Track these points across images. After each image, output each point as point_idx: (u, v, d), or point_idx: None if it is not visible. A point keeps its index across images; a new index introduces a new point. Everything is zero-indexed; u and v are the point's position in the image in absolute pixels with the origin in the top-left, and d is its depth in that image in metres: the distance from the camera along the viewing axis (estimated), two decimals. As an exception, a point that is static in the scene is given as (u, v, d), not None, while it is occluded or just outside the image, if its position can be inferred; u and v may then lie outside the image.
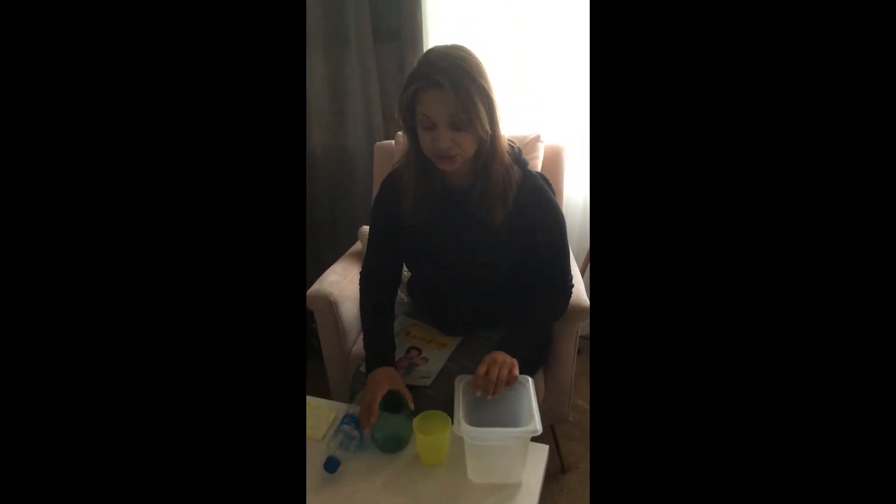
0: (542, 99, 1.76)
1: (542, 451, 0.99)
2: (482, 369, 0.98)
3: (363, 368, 1.18)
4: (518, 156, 1.09)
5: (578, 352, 1.33)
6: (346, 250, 1.65)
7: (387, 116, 1.88)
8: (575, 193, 1.80)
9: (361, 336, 1.47)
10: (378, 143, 1.73)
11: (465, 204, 1.06)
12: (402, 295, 1.39)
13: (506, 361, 0.99)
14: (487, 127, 0.95)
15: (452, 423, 0.92)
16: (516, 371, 0.99)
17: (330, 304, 1.37)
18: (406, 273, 1.30)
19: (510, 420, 0.96)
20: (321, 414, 1.08)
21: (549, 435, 1.48)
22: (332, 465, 0.92)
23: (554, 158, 1.57)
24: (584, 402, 1.74)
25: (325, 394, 1.28)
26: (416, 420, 0.95)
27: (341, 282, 1.44)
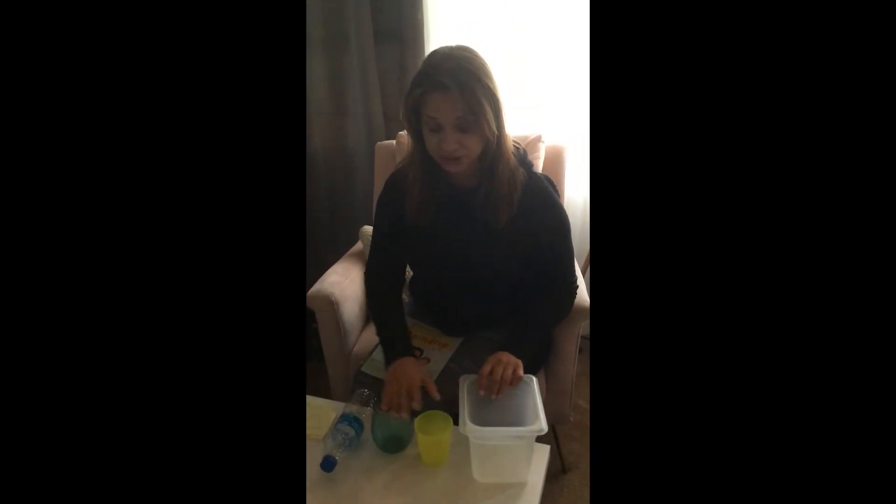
0: (542, 99, 1.76)
1: (544, 450, 0.99)
2: (486, 369, 0.98)
3: (364, 368, 1.18)
4: (523, 157, 1.08)
5: (579, 352, 1.33)
6: (347, 250, 1.65)
7: (387, 116, 1.88)
8: (575, 193, 1.80)
9: (362, 336, 1.47)
10: (379, 143, 1.73)
11: (470, 205, 1.06)
12: (403, 295, 1.39)
13: (510, 362, 0.99)
14: (494, 128, 0.95)
15: (456, 422, 0.92)
16: (521, 371, 0.99)
17: (331, 304, 1.37)
18: (408, 273, 1.30)
19: (515, 419, 0.96)
20: (322, 414, 1.08)
21: (550, 435, 1.48)
22: (328, 465, 0.92)
23: (555, 159, 1.57)
24: (584, 403, 1.74)
25: (325, 394, 1.28)
26: (417, 420, 0.95)
27: (342, 282, 1.44)
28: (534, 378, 1.00)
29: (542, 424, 0.88)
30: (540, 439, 0.93)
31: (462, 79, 0.90)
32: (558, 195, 1.11)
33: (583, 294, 1.26)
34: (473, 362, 1.12)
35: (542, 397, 0.97)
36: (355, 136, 1.88)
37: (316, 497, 0.91)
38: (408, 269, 1.28)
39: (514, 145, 1.06)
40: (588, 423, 1.65)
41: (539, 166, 1.52)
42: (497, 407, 0.97)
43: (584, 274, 1.64)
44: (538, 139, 1.55)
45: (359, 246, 1.64)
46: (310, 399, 1.12)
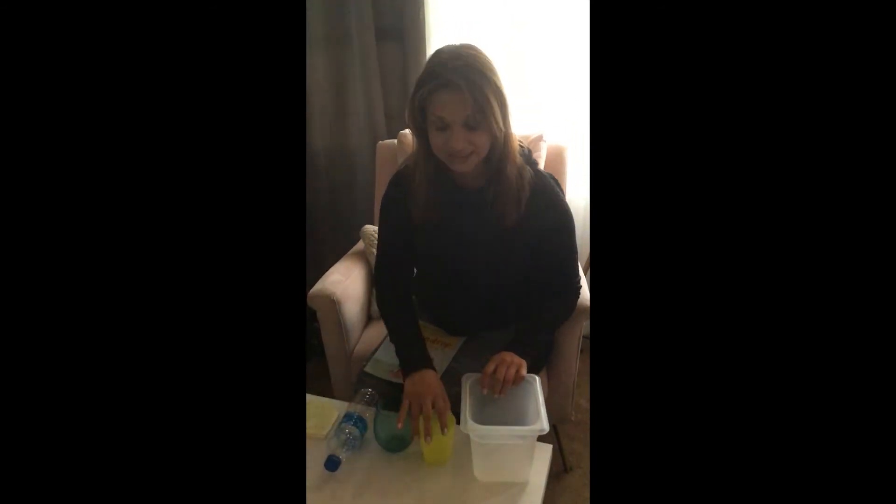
0: (542, 99, 1.76)
1: (546, 450, 0.99)
2: (490, 368, 0.98)
3: (368, 368, 1.18)
4: (528, 156, 1.08)
5: (581, 351, 1.33)
6: (348, 250, 1.65)
7: (389, 115, 1.88)
8: (575, 194, 1.80)
9: (363, 335, 1.47)
10: (380, 141, 1.73)
11: (478, 205, 1.05)
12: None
13: (514, 361, 0.99)
14: (501, 125, 0.94)
15: (458, 421, 0.92)
16: (524, 371, 0.99)
17: (332, 304, 1.37)
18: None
19: (517, 419, 0.96)
20: (325, 413, 1.08)
21: (552, 434, 1.48)
22: (332, 464, 0.92)
23: (556, 158, 1.57)
24: (586, 402, 1.74)
25: (327, 393, 1.28)
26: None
27: (343, 281, 1.44)
28: (536, 378, 1.00)
29: (544, 424, 0.88)
30: (542, 439, 0.93)
31: (470, 76, 0.89)
32: (563, 194, 1.11)
33: (584, 293, 1.26)
34: (476, 362, 1.12)
35: (543, 397, 0.97)
36: (356, 134, 1.88)
37: (320, 496, 0.91)
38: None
39: (519, 144, 1.05)
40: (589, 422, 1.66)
41: (541, 166, 1.52)
42: (499, 406, 0.97)
43: (585, 273, 1.65)
44: (539, 138, 1.55)
45: (360, 245, 1.64)
46: (312, 398, 1.12)
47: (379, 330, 1.43)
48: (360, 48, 1.76)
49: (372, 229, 1.57)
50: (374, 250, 1.36)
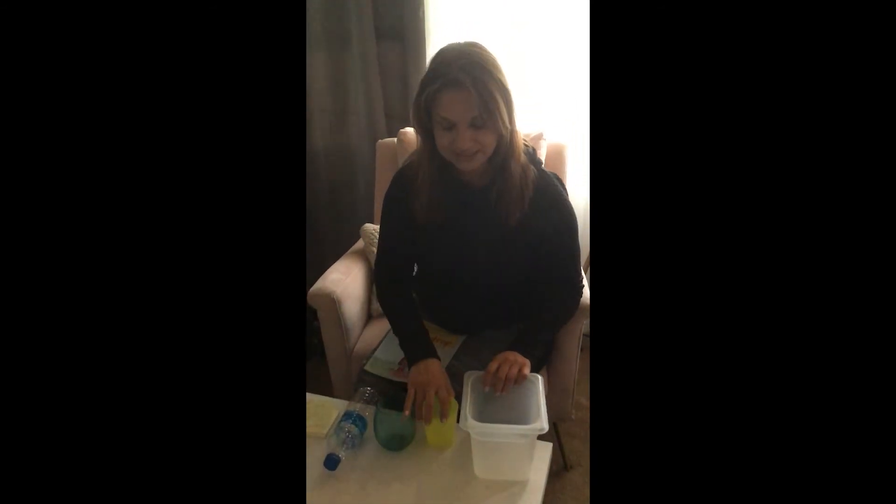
0: (542, 99, 1.76)
1: (546, 448, 0.99)
2: (493, 366, 0.98)
3: (368, 367, 1.18)
4: (532, 155, 1.08)
5: (581, 350, 1.33)
6: (349, 248, 1.65)
7: (389, 114, 1.88)
8: (575, 192, 1.81)
9: (363, 334, 1.48)
10: (380, 140, 1.73)
11: (481, 204, 1.05)
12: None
13: (517, 361, 0.99)
14: (507, 123, 0.94)
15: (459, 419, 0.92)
16: (526, 370, 0.99)
17: (332, 302, 1.37)
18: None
19: (517, 417, 0.96)
20: (325, 411, 1.08)
21: (552, 432, 1.49)
22: (332, 463, 0.93)
23: (556, 157, 1.58)
24: (586, 401, 1.74)
25: (327, 392, 1.28)
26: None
27: (343, 280, 1.44)
28: (538, 377, 1.00)
29: (544, 423, 0.88)
30: (542, 437, 0.93)
31: (476, 74, 0.89)
32: (567, 194, 1.11)
33: (585, 292, 1.26)
34: (476, 360, 1.12)
35: (544, 395, 0.97)
36: (356, 133, 1.88)
37: (319, 495, 0.91)
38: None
39: (524, 143, 1.05)
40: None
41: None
42: (499, 404, 0.98)
43: (586, 272, 1.65)
44: (539, 136, 1.55)
45: (360, 244, 1.64)
46: (312, 397, 1.12)
47: (379, 328, 1.43)
48: (360, 48, 1.76)
49: (372, 228, 1.57)
50: (374, 249, 1.36)
